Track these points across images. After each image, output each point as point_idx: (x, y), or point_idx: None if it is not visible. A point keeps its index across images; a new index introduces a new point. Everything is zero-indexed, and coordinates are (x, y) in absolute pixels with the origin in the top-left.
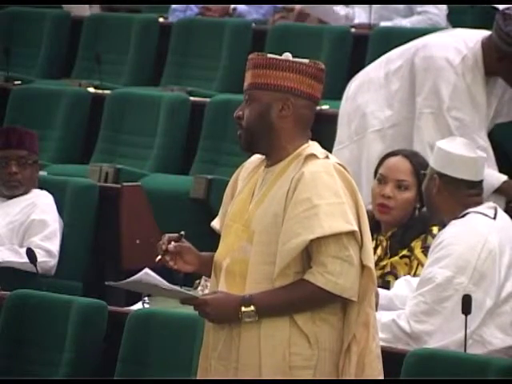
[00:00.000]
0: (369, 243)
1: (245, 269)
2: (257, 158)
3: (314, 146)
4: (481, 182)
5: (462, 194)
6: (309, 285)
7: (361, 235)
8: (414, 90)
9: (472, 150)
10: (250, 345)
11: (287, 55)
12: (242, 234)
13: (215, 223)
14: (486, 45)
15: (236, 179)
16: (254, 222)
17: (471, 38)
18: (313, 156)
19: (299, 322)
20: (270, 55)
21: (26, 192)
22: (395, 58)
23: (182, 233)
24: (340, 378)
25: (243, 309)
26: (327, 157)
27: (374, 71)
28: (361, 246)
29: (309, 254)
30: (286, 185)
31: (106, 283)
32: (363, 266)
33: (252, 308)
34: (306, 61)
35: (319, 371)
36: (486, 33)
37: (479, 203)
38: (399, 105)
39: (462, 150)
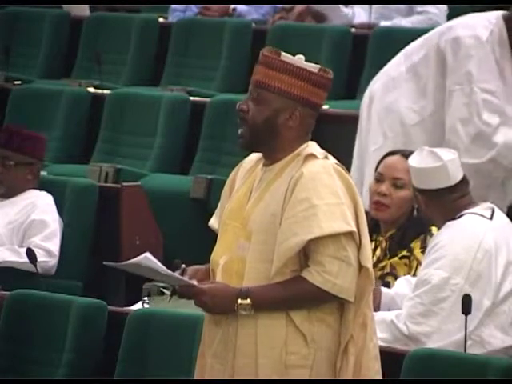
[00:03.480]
0: (367, 244)
1: (242, 267)
2: (255, 156)
3: (312, 146)
4: (460, 182)
5: (445, 202)
6: (306, 283)
7: (359, 236)
8: (445, 73)
9: (438, 158)
10: (246, 344)
11: (300, 57)
12: (240, 232)
13: (213, 222)
14: (508, 17)
15: (234, 177)
16: (251, 220)
17: (491, 16)
18: (312, 156)
19: (296, 321)
20: (284, 55)
21: (11, 194)
22: (415, 50)
23: (183, 266)
24: (337, 378)
25: (239, 301)
26: (326, 157)
27: (393, 70)
28: (359, 247)
29: (306, 252)
30: (284, 184)
31: (105, 263)
32: (361, 267)
33: (248, 301)
34: (316, 68)
35: (315, 370)
36: (502, 12)
37: (469, 204)
38: (433, 92)
39: (428, 161)
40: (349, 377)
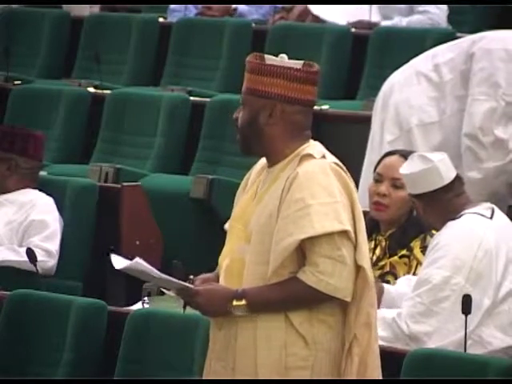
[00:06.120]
0: (364, 243)
1: (242, 269)
2: (264, 159)
3: (313, 146)
4: (454, 181)
5: (442, 202)
6: (300, 283)
7: (356, 235)
8: (467, 80)
9: (427, 160)
10: (246, 346)
11: (283, 57)
12: (242, 234)
13: (227, 227)
14: None
15: (246, 182)
16: (251, 222)
17: None
18: (309, 156)
19: (295, 322)
20: (267, 58)
21: None
22: (444, 52)
23: (191, 277)
24: (341, 379)
25: (234, 302)
26: (324, 156)
27: (419, 65)
28: (355, 246)
29: (303, 253)
30: (281, 185)
31: (109, 250)
32: (358, 266)
33: (243, 302)
34: (297, 65)
35: (316, 372)
36: None
37: (468, 203)
38: (451, 96)
39: (419, 165)
40: (353, 377)
